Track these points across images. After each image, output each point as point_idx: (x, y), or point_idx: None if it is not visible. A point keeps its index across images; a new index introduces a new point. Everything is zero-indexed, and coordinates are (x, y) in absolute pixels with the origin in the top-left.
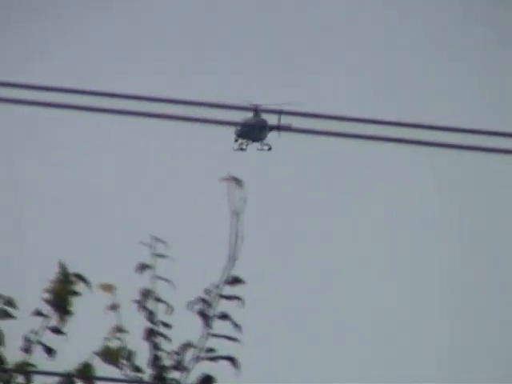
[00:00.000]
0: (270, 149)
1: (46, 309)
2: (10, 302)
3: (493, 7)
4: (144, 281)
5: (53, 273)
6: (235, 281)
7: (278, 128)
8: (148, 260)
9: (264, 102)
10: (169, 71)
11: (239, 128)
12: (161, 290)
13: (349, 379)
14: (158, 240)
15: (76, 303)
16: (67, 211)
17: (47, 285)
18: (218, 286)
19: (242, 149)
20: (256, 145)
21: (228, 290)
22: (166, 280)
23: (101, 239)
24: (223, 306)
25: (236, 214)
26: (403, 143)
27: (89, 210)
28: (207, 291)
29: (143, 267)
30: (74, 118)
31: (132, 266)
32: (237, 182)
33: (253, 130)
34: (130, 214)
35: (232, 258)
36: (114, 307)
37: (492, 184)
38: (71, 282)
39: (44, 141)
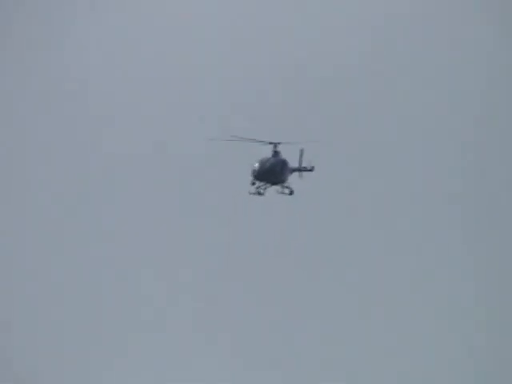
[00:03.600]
0: (291, 193)
1: None
2: None
3: None
4: None
5: None
6: None
7: (300, 170)
8: None
9: (283, 138)
10: None
11: (256, 169)
12: None
13: None
14: None
15: None
16: None
17: None
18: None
19: (259, 193)
20: (276, 187)
21: None
22: None
23: None
24: None
25: None
26: None
27: None
28: None
29: None
30: None
31: None
32: None
33: (272, 172)
34: None
35: None
36: None
37: None
38: None
39: None
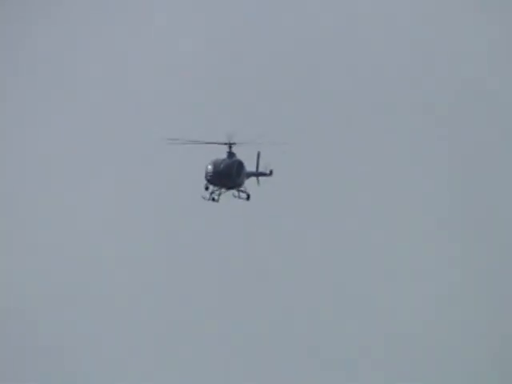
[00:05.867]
0: (248, 197)
1: None
2: None
3: None
4: None
5: None
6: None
7: (257, 174)
8: None
9: (239, 137)
10: None
11: (210, 172)
12: None
13: None
14: None
15: None
16: None
17: None
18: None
19: (213, 199)
20: (232, 191)
21: None
22: None
23: None
24: None
25: None
26: None
27: None
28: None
29: None
30: None
31: None
32: None
33: (227, 174)
34: None
35: None
36: None
37: None
38: None
39: None
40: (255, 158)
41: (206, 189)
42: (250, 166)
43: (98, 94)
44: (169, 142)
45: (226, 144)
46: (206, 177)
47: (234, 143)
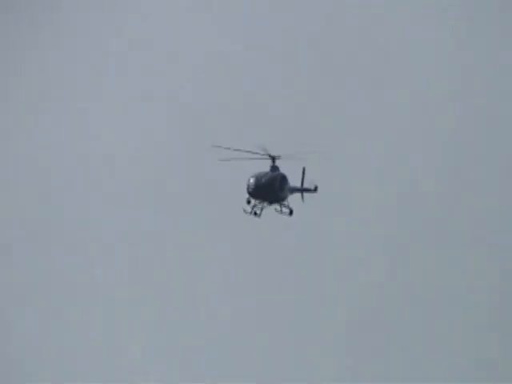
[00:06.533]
0: (291, 213)
1: None
2: None
3: None
4: None
5: None
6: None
7: (302, 190)
8: None
9: (283, 150)
10: None
11: (252, 185)
12: None
13: None
14: None
15: None
16: None
17: None
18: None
19: (255, 213)
20: (275, 206)
21: None
22: None
23: None
24: None
25: None
26: None
27: None
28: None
29: None
30: None
31: None
32: None
33: (269, 188)
34: None
35: None
36: None
37: None
38: None
39: None
40: (300, 173)
41: (248, 202)
42: (294, 182)
43: (139, 101)
44: (213, 147)
45: (269, 157)
46: (247, 190)
47: (278, 157)
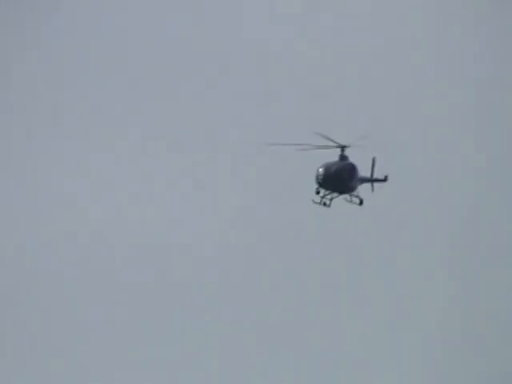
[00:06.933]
0: (361, 202)
1: None
2: None
3: None
4: None
5: None
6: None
7: (372, 180)
8: None
9: (351, 139)
10: None
11: (321, 175)
12: None
13: None
14: None
15: None
16: None
17: None
18: None
19: (324, 204)
20: (344, 196)
21: None
22: None
23: None
24: None
25: None
26: None
27: None
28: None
29: None
30: None
31: None
32: None
33: (339, 178)
34: None
35: None
36: None
37: None
38: None
39: None
40: (370, 163)
41: (317, 193)
42: (364, 172)
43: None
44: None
45: (338, 147)
46: (316, 180)
47: (347, 146)
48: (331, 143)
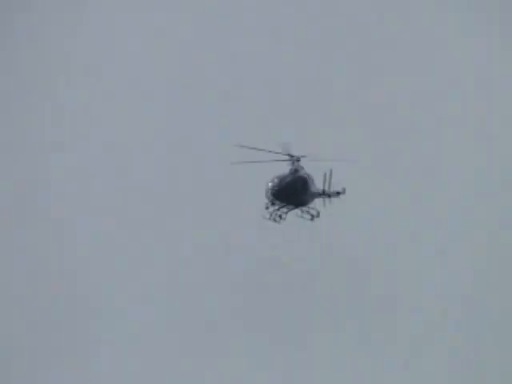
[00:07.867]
0: (313, 217)
1: None
2: None
3: None
4: None
5: None
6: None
7: (327, 194)
8: None
9: (306, 151)
10: None
11: (272, 188)
12: None
13: None
14: None
15: None
16: None
17: None
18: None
19: (275, 220)
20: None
21: None
22: None
23: None
24: None
25: None
26: None
27: None
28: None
29: None
30: None
31: None
32: None
33: (293, 190)
34: None
35: None
36: None
37: None
38: None
39: None
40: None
41: (268, 208)
42: (320, 185)
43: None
44: (235, 146)
45: (291, 158)
46: (266, 194)
47: (300, 157)
48: (283, 153)
